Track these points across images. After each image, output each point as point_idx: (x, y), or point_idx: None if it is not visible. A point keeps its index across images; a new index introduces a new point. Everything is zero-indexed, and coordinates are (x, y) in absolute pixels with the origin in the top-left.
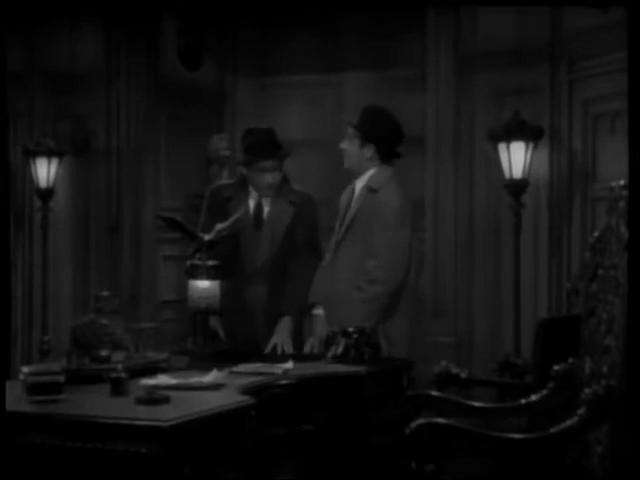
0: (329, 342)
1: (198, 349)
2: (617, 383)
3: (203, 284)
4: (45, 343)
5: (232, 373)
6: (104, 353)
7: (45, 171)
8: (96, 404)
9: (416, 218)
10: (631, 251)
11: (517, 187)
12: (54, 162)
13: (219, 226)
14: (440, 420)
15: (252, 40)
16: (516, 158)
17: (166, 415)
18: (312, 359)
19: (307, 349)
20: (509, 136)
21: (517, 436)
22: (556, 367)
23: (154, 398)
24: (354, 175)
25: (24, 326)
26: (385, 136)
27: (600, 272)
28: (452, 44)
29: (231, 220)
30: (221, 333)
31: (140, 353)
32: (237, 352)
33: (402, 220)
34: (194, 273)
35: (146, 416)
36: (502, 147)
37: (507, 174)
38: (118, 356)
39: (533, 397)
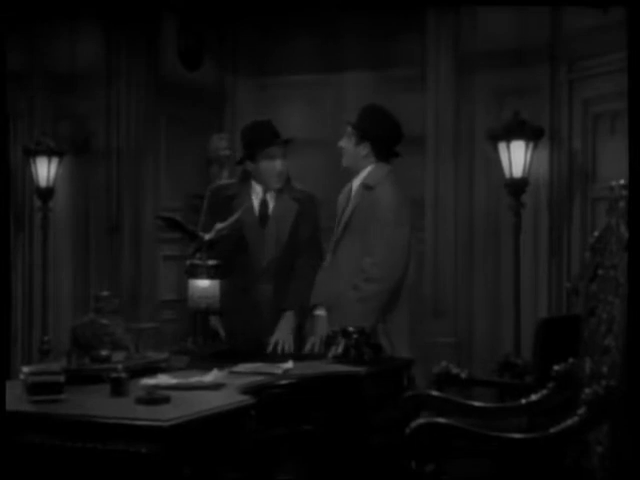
0: (329, 342)
1: (198, 349)
2: (617, 383)
3: (203, 284)
4: (45, 343)
5: (232, 373)
6: (104, 353)
7: (45, 171)
8: (96, 404)
9: (416, 218)
10: (631, 251)
11: (517, 187)
12: (54, 162)
13: (219, 226)
14: (440, 420)
15: (252, 40)
16: (516, 158)
17: (166, 415)
18: (312, 359)
19: (308, 348)
20: (509, 136)
21: (517, 436)
22: (556, 367)
23: (154, 398)
24: (352, 173)
25: (24, 326)
26: (381, 134)
27: (600, 272)
28: (452, 44)
29: (231, 220)
30: (222, 333)
31: (140, 353)
32: (237, 352)
33: (398, 217)
34: (194, 273)
35: (146, 416)
36: (502, 147)
37: (507, 174)
38: (118, 356)
39: (533, 397)
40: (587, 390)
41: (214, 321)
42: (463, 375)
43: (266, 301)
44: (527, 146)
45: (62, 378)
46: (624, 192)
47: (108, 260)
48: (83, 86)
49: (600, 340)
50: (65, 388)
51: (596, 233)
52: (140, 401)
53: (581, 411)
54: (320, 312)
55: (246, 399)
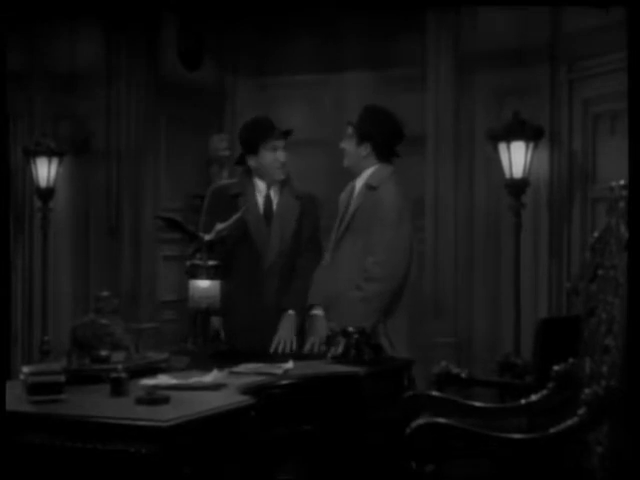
0: (329, 342)
1: (198, 349)
2: (617, 383)
3: (203, 284)
4: (45, 343)
5: (232, 373)
6: (104, 353)
7: (45, 171)
8: (96, 404)
9: (416, 218)
10: (631, 251)
11: (517, 187)
12: (54, 162)
13: (219, 226)
14: (440, 420)
15: (252, 40)
16: (516, 158)
17: (166, 415)
18: (312, 359)
19: (307, 348)
20: (509, 136)
21: (517, 436)
22: (556, 367)
23: (154, 398)
24: (353, 174)
25: (24, 326)
26: (382, 135)
27: (600, 272)
28: (452, 44)
29: (231, 220)
30: (222, 333)
31: (140, 353)
32: (237, 352)
33: (401, 217)
34: (194, 273)
35: (146, 416)
36: (502, 147)
37: (507, 174)
38: (118, 356)
39: (533, 397)
40: (587, 390)
41: (215, 322)
42: (463, 375)
43: (270, 301)
44: (527, 146)
45: (62, 378)
46: (624, 192)
47: (108, 260)
48: (83, 86)
49: (600, 340)
50: (65, 388)
51: (596, 233)
52: (140, 401)
53: (581, 411)
54: (318, 311)
55: (246, 399)
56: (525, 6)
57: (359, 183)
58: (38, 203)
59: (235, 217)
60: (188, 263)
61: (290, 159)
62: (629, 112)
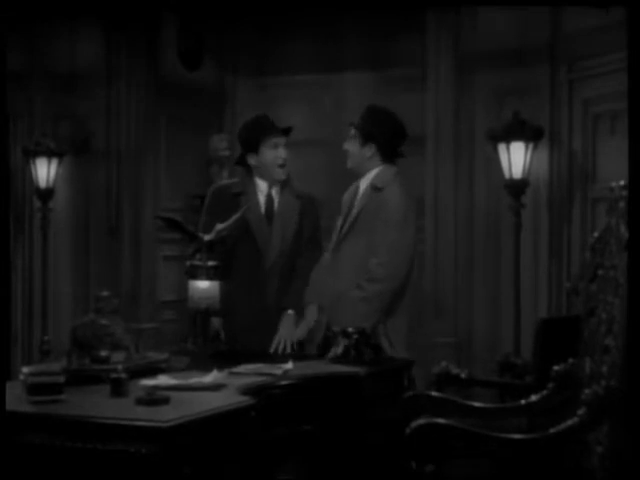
0: (329, 342)
1: (198, 349)
2: (617, 383)
3: (203, 284)
4: (45, 343)
5: (232, 374)
6: (104, 353)
7: (45, 171)
8: (96, 404)
9: (416, 218)
10: (631, 251)
11: (517, 187)
12: (54, 162)
13: (219, 226)
14: (440, 420)
15: (252, 40)
16: (516, 158)
17: (166, 416)
18: (312, 359)
19: (298, 334)
20: (509, 136)
21: (517, 436)
22: (556, 367)
23: (154, 399)
24: (357, 175)
25: (24, 326)
26: (386, 135)
27: (600, 272)
28: (452, 44)
29: (231, 220)
30: (222, 333)
31: (140, 353)
32: (237, 353)
33: (406, 219)
34: (194, 273)
35: (146, 417)
36: (502, 147)
37: (507, 174)
38: (118, 356)
39: (533, 397)
40: (587, 390)
41: (215, 322)
42: (463, 375)
43: (271, 301)
44: (527, 147)
45: (62, 378)
46: (624, 192)
47: (108, 260)
48: (83, 86)
49: (600, 340)
50: (65, 388)
51: (596, 233)
52: (140, 402)
53: (581, 411)
54: (312, 306)
55: (246, 400)
56: (525, 6)
57: (363, 184)
58: (38, 203)
59: (235, 217)
60: (188, 263)
61: (290, 159)
62: (629, 112)
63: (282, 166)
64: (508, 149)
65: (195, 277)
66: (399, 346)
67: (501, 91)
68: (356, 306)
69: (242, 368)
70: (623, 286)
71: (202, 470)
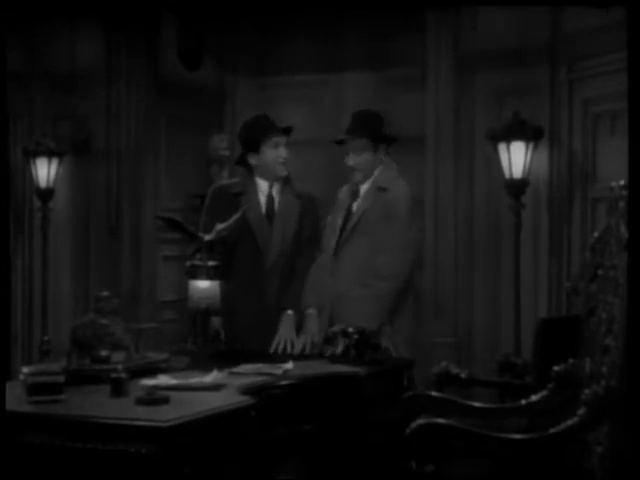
0: (329, 342)
1: (198, 349)
2: (617, 383)
3: (203, 284)
4: (45, 343)
5: (232, 373)
6: (104, 353)
7: (45, 171)
8: (96, 404)
9: (418, 217)
10: (631, 251)
11: (517, 187)
12: (54, 162)
13: (219, 226)
14: (440, 420)
15: (252, 40)
16: (516, 158)
17: (166, 415)
18: (312, 359)
19: (298, 348)
20: (509, 136)
21: (517, 436)
22: (556, 368)
23: (154, 398)
24: (361, 180)
25: (24, 326)
26: (386, 132)
27: (600, 272)
28: (452, 44)
29: (231, 220)
30: (222, 333)
31: (140, 353)
32: (237, 352)
33: (412, 216)
34: (194, 273)
35: (146, 416)
36: (502, 147)
37: (507, 174)
38: (118, 356)
39: (533, 397)
40: (587, 390)
41: (216, 322)
42: (463, 375)
43: (271, 301)
44: (527, 146)
45: (62, 378)
46: (624, 192)
47: (108, 260)
48: (83, 86)
49: (600, 340)
50: (65, 388)
51: (596, 233)
52: (140, 402)
53: (581, 411)
54: (311, 311)
55: (246, 400)
56: (525, 6)
57: (365, 184)
58: (38, 203)
59: (235, 217)
60: (188, 263)
61: (290, 159)
62: (629, 112)
63: (283, 164)
64: (508, 149)
65: (195, 277)
66: (401, 346)
67: (501, 91)
68: (363, 305)
69: (242, 368)
70: (623, 286)
71: (202, 470)
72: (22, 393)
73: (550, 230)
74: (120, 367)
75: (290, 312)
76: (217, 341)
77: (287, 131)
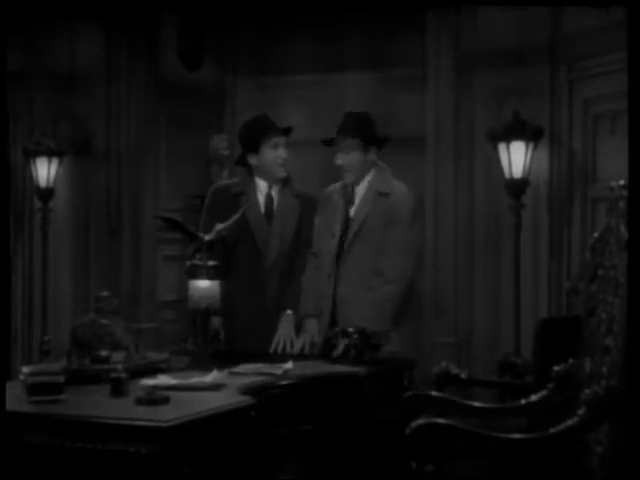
0: (329, 342)
1: (198, 349)
2: (617, 383)
3: (203, 284)
4: (45, 343)
5: (232, 373)
6: (104, 353)
7: (45, 171)
8: (96, 404)
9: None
10: (631, 251)
11: (517, 187)
12: (54, 162)
13: (219, 226)
14: (440, 420)
15: (252, 40)
16: (516, 158)
17: (166, 415)
18: (312, 359)
19: (298, 348)
20: (509, 136)
21: (517, 436)
22: (556, 368)
23: (154, 398)
24: (356, 184)
25: (24, 326)
26: (378, 133)
27: (600, 272)
28: (452, 44)
29: (231, 220)
30: (222, 333)
31: (140, 353)
32: (237, 352)
33: (415, 218)
34: (194, 273)
35: (146, 416)
36: (502, 147)
37: (507, 174)
38: (118, 356)
39: (533, 397)
40: (587, 390)
41: (215, 322)
42: (463, 375)
43: (270, 301)
44: (527, 146)
45: (62, 378)
46: (624, 192)
47: (108, 260)
48: (83, 86)
49: (600, 340)
50: (65, 388)
51: (596, 233)
52: (140, 401)
53: (581, 411)
54: (309, 321)
55: (246, 399)
56: (525, 6)
57: (360, 190)
58: (38, 203)
59: (235, 217)
60: (188, 263)
61: (290, 159)
62: (629, 112)
63: (282, 165)
64: (508, 149)
65: (195, 277)
66: (404, 347)
67: (501, 91)
68: (368, 308)
69: (242, 368)
70: (623, 286)
71: (202, 470)
72: (22, 393)
73: (550, 230)
74: (120, 367)
75: (289, 312)
76: (217, 341)
77: (287, 132)
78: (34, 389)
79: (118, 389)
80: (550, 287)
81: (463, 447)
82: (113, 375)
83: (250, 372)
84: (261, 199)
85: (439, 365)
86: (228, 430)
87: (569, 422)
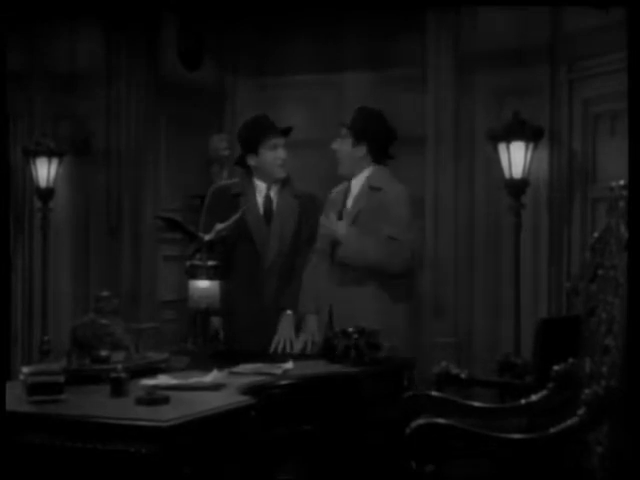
0: (329, 342)
1: (198, 349)
2: (617, 383)
3: (203, 284)
4: (45, 343)
5: (232, 373)
6: (104, 353)
7: (45, 171)
8: (96, 404)
9: (416, 218)
10: (631, 251)
11: (517, 187)
12: (54, 162)
13: (219, 226)
14: (440, 420)
15: (252, 40)
16: (516, 158)
17: (166, 415)
18: (312, 359)
19: (299, 347)
20: (509, 136)
21: (517, 436)
22: (556, 367)
23: (154, 398)
24: (346, 177)
25: (24, 326)
26: (377, 136)
27: (600, 272)
28: (452, 44)
29: (231, 220)
30: (221, 333)
31: (140, 353)
32: (237, 352)
33: (408, 216)
34: (194, 273)
35: (146, 416)
36: (502, 147)
37: (507, 174)
38: (118, 356)
39: (533, 397)
40: (587, 390)
41: (215, 322)
42: (463, 375)
43: (270, 301)
44: (527, 146)
45: (62, 378)
46: (624, 192)
47: (108, 260)
48: (83, 86)
49: (600, 340)
50: (65, 388)
51: (596, 233)
52: (140, 401)
53: (581, 411)
54: (310, 319)
55: (246, 399)
56: (525, 6)
57: (357, 184)
58: (38, 203)
59: (234, 217)
60: (188, 263)
61: (290, 159)
62: (629, 112)
63: (281, 166)
64: (508, 149)
65: (195, 277)
66: (399, 346)
67: (501, 91)
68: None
69: (242, 368)
70: (623, 286)
71: (202, 470)
72: (22, 393)
73: (550, 230)
74: (120, 367)
75: (289, 312)
76: (216, 341)
77: (286, 132)
78: (34, 389)
79: (118, 389)
80: (550, 287)
81: (463, 447)
82: (113, 375)
83: (250, 372)
84: (260, 200)
85: (439, 365)
86: (228, 430)
87: (569, 422)
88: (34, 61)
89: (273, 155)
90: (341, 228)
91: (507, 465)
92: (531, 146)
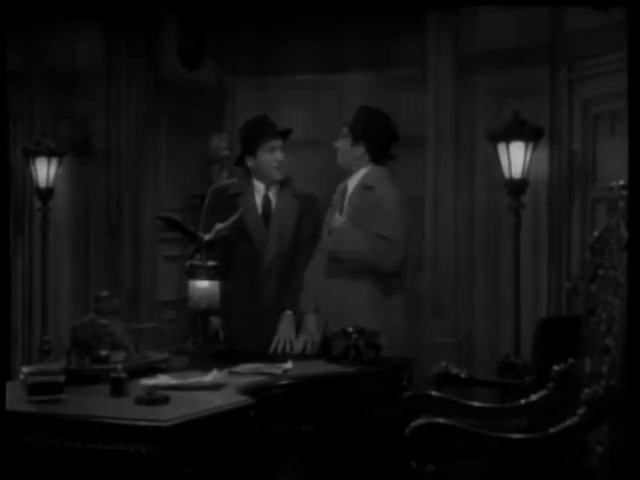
0: (328, 342)
1: (198, 349)
2: (617, 383)
3: (203, 284)
4: (45, 343)
5: (232, 373)
6: (104, 353)
7: (45, 171)
8: (96, 404)
9: (416, 218)
10: (631, 251)
11: (517, 187)
12: (54, 162)
13: (219, 226)
14: (440, 420)
15: (252, 40)
16: (516, 158)
17: (166, 415)
18: (312, 359)
19: (299, 347)
20: (509, 136)
21: (517, 436)
22: (556, 367)
23: (154, 398)
24: (344, 173)
25: (24, 326)
26: (376, 135)
27: (600, 272)
28: (452, 44)
29: (230, 220)
30: (221, 333)
31: (140, 353)
32: (237, 352)
33: (399, 216)
34: (194, 273)
35: (146, 416)
36: (502, 147)
37: (507, 174)
38: (118, 356)
39: (533, 397)
40: (587, 390)
41: (215, 322)
42: (463, 375)
43: (269, 301)
44: (527, 146)
45: (62, 378)
46: (624, 192)
47: (108, 260)
48: (83, 86)
49: (600, 340)
50: (65, 388)
51: (596, 233)
52: (140, 401)
53: (581, 411)
54: (309, 318)
55: (245, 399)
56: (525, 6)
57: (352, 183)
58: (38, 203)
59: (234, 217)
60: (188, 263)
61: (290, 159)
62: (629, 112)
63: (278, 168)
64: (508, 149)
65: (195, 277)
66: (399, 346)
67: (501, 91)
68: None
69: (241, 368)
70: (623, 286)
71: (202, 470)
72: (22, 393)
73: (550, 230)
74: (120, 367)
75: (289, 312)
76: (216, 341)
77: (285, 134)
78: (34, 389)
79: (118, 389)
80: (550, 287)
81: (463, 447)
82: (113, 375)
83: (249, 372)
84: (258, 200)
85: (439, 365)
86: (228, 430)
87: (569, 422)
88: (34, 61)
89: (270, 157)
90: (337, 221)
91: (507, 465)
92: (531, 146)
